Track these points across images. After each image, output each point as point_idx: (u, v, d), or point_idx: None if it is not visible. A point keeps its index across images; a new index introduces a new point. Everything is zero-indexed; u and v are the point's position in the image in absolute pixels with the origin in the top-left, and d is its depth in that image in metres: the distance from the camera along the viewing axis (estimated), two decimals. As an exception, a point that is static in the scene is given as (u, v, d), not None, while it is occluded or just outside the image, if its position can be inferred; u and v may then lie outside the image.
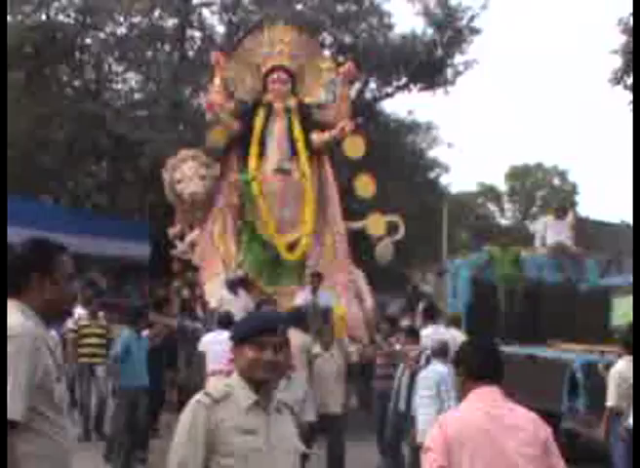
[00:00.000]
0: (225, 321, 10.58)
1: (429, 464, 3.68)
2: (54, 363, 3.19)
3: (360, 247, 15.37)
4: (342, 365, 9.90)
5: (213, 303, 12.89)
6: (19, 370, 3.01)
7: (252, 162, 14.02)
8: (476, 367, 3.95)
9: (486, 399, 3.85)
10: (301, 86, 14.41)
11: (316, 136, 14.15)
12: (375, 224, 14.76)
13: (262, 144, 14.06)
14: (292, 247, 13.87)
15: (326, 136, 14.11)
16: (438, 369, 8.72)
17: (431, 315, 11.58)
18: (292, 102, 14.16)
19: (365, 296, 14.31)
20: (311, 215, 13.98)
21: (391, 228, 14.95)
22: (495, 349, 4.22)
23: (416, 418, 8.65)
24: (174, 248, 15.26)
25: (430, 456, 3.68)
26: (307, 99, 14.42)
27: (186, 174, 14.04)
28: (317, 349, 9.67)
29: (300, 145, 14.04)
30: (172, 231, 15.19)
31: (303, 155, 14.06)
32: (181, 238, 15.03)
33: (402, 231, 14.94)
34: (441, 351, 8.97)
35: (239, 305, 12.05)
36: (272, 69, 14.16)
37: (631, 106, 19.22)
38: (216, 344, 10.08)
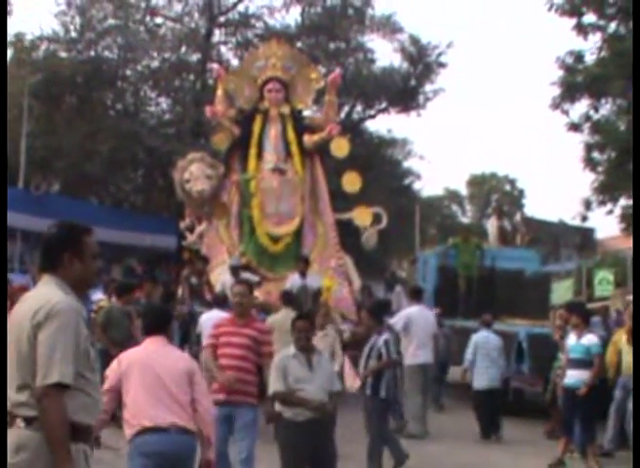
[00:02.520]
0: (221, 300, 9.12)
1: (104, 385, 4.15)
2: (88, 330, 2.95)
3: (348, 238, 13.71)
4: (335, 343, 8.92)
5: (217, 288, 11.17)
6: (67, 342, 2.75)
7: (251, 162, 12.48)
8: (147, 324, 4.54)
9: (152, 343, 4.39)
10: (294, 94, 12.86)
11: (307, 138, 12.62)
12: (361, 215, 13.07)
13: (260, 146, 12.50)
14: (278, 239, 12.30)
15: (316, 137, 12.58)
16: None
17: (419, 297, 10.36)
18: (285, 109, 12.64)
19: (353, 279, 12.81)
20: (301, 212, 12.44)
21: (376, 218, 13.39)
22: (160, 311, 4.72)
23: None
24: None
25: (106, 382, 4.23)
26: (299, 106, 13.00)
27: (194, 174, 12.34)
28: None
29: (294, 147, 12.52)
30: (182, 224, 13.52)
31: (297, 155, 12.53)
32: (191, 230, 13.31)
33: (385, 221, 13.38)
34: None
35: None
36: (268, 80, 12.61)
37: (567, 127, 17.71)
38: (210, 321, 8.41)
